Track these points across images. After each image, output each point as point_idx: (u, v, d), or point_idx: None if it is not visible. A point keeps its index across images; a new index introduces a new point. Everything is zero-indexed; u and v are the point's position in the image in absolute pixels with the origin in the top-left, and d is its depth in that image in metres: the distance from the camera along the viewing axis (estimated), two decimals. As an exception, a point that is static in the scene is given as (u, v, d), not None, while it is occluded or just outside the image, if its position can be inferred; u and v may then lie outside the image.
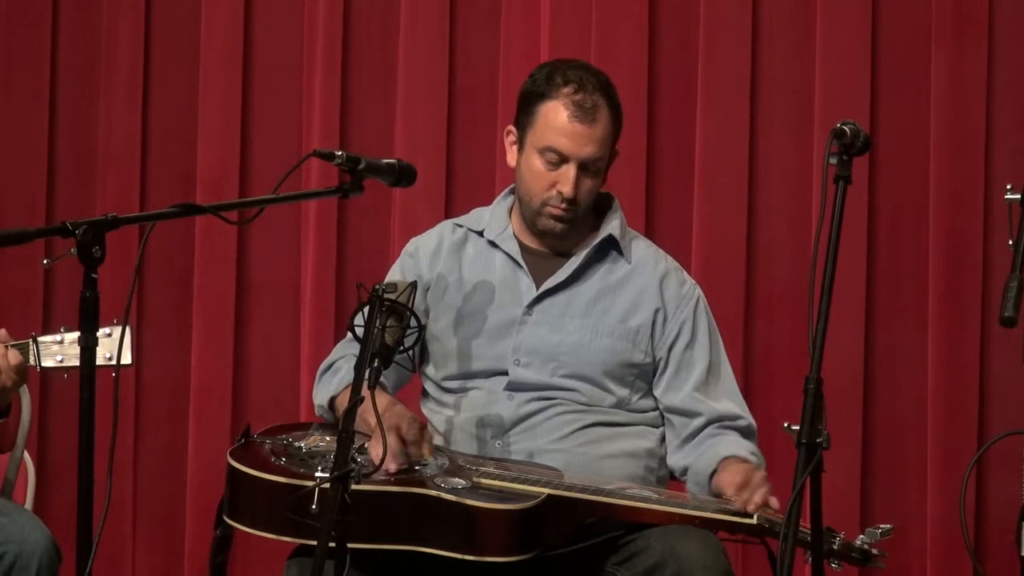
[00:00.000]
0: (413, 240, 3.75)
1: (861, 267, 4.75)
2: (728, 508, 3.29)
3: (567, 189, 3.50)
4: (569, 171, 3.50)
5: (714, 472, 3.45)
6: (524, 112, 3.56)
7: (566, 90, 3.51)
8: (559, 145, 3.50)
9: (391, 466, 3.26)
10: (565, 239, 3.60)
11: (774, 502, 3.30)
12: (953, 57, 4.74)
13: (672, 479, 3.62)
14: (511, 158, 3.60)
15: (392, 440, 3.26)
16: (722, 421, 3.56)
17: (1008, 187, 3.38)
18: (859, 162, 3.05)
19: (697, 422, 3.55)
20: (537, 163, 3.52)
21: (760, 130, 4.81)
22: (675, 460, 3.56)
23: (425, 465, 3.33)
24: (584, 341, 3.55)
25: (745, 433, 3.56)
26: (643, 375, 3.59)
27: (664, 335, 3.59)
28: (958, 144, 4.74)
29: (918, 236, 4.77)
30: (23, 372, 3.47)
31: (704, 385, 3.58)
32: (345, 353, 3.65)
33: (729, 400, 3.60)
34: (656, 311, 3.59)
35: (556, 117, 3.50)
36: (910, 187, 4.77)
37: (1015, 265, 3.07)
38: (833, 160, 3.01)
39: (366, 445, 3.31)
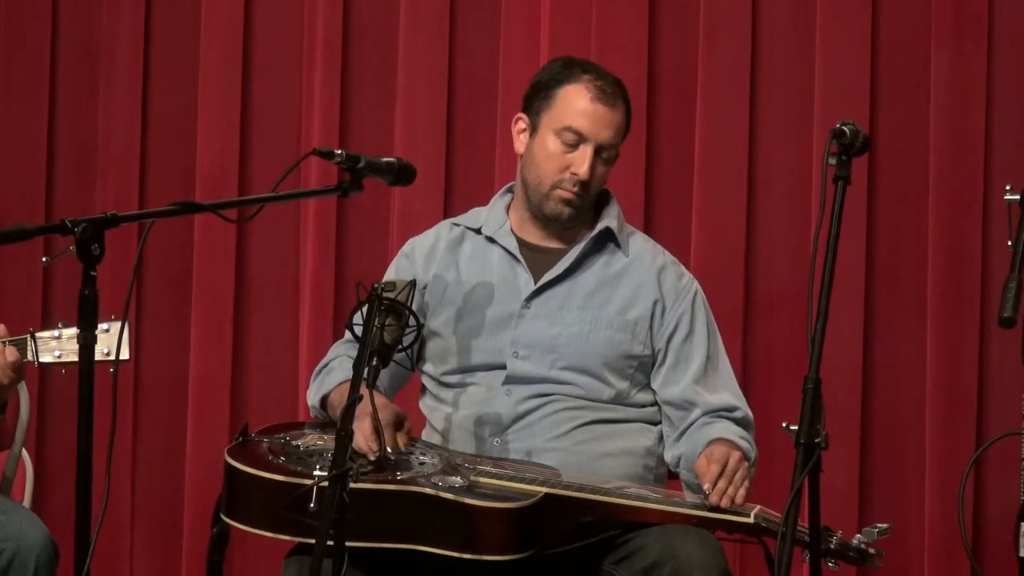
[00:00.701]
0: (410, 240, 3.75)
1: (860, 267, 4.75)
2: (726, 508, 3.29)
3: (582, 170, 3.51)
4: (586, 151, 3.51)
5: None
6: (539, 97, 3.57)
7: (587, 76, 3.55)
8: (579, 125, 3.51)
9: (368, 451, 3.27)
10: (567, 228, 3.60)
11: (742, 494, 3.30)
12: (953, 57, 4.74)
13: (670, 477, 3.62)
14: (519, 146, 3.61)
15: (365, 425, 3.27)
16: (717, 412, 3.56)
17: (1007, 187, 3.39)
18: (858, 162, 3.06)
19: (693, 414, 3.55)
20: (552, 144, 3.53)
21: (760, 130, 4.81)
22: (671, 453, 3.56)
23: (423, 464, 3.33)
24: (583, 333, 3.55)
25: (741, 424, 3.56)
26: (642, 367, 3.59)
27: (663, 327, 3.59)
28: (957, 144, 4.74)
29: (917, 236, 4.76)
30: (20, 369, 3.48)
31: (702, 377, 3.58)
32: (340, 354, 3.66)
33: (727, 392, 3.60)
34: (655, 303, 3.59)
35: (578, 98, 3.53)
36: (909, 187, 4.77)
37: (1014, 265, 3.08)
38: (832, 160, 3.01)
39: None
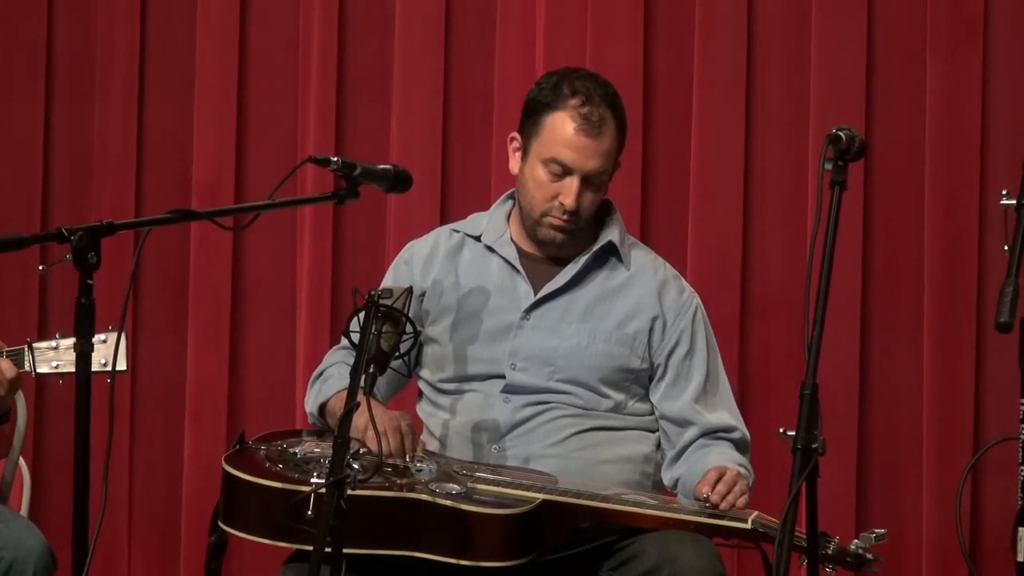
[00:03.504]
0: (409, 245, 3.75)
1: (857, 272, 4.75)
2: (723, 513, 3.30)
3: (569, 201, 3.50)
4: (572, 183, 3.49)
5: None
6: (529, 121, 3.55)
7: (573, 102, 3.50)
8: (564, 158, 3.49)
9: (391, 447, 3.32)
10: (564, 247, 3.59)
11: (742, 501, 3.32)
12: (948, 61, 4.74)
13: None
14: (513, 164, 3.60)
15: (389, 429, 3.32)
16: (715, 433, 3.56)
17: (1003, 192, 3.38)
18: (855, 167, 3.06)
19: (690, 433, 3.55)
20: (540, 173, 3.52)
21: (756, 135, 4.81)
22: (669, 475, 3.56)
23: (420, 470, 3.33)
24: (581, 346, 3.55)
25: (739, 445, 3.57)
26: (639, 380, 3.59)
27: (663, 343, 3.59)
28: (953, 149, 4.74)
29: (914, 241, 4.76)
30: (16, 382, 3.47)
31: (701, 395, 3.58)
32: (336, 360, 3.66)
33: (725, 411, 3.60)
34: (654, 319, 3.59)
35: (563, 129, 3.49)
36: (905, 192, 4.77)
37: (1010, 270, 3.07)
38: (828, 165, 3.00)
39: (361, 450, 3.31)
